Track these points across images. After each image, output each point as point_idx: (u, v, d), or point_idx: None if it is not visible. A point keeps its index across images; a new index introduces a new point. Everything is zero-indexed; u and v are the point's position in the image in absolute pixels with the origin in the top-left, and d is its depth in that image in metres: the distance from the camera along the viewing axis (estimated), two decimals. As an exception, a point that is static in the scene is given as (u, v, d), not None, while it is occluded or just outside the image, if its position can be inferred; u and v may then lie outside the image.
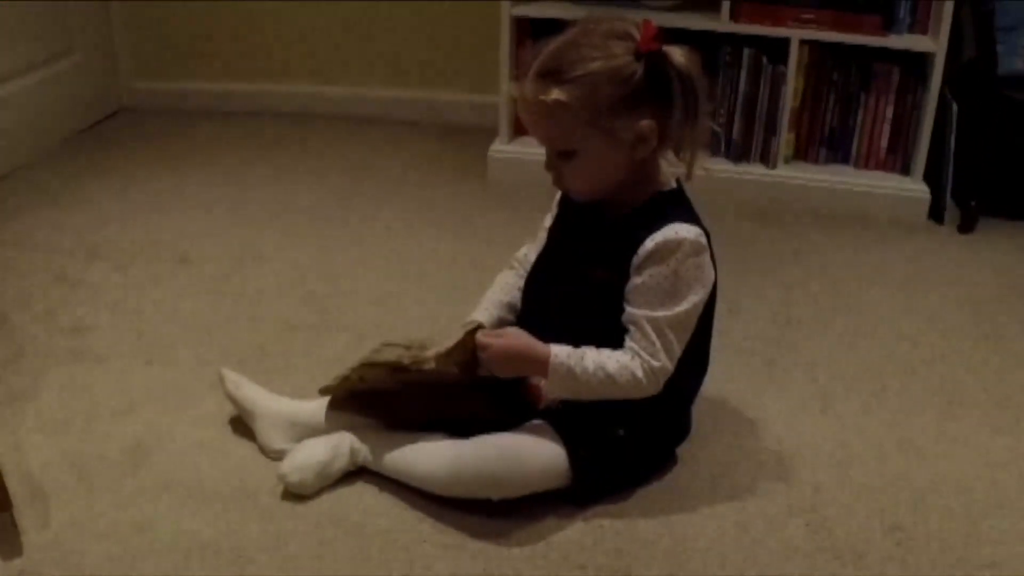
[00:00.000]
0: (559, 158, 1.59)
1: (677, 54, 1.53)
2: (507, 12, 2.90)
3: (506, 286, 1.80)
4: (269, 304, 2.30)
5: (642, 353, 1.58)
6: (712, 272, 1.63)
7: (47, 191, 2.90)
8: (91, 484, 1.69)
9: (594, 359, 1.58)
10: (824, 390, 2.02)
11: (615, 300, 1.61)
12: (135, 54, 3.60)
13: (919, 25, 2.81)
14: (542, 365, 1.58)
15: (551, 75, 1.52)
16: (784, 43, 2.81)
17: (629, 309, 1.59)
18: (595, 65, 1.51)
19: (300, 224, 2.73)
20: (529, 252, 1.81)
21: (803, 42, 2.80)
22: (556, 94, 1.51)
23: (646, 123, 1.54)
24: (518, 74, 1.60)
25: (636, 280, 1.58)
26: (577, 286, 1.66)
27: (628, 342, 1.59)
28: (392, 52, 3.50)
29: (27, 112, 3.13)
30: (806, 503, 1.69)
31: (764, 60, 2.85)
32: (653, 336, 1.58)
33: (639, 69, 1.52)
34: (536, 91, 1.53)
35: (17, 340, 2.12)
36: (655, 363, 1.58)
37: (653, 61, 1.52)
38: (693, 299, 1.59)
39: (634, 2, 2.90)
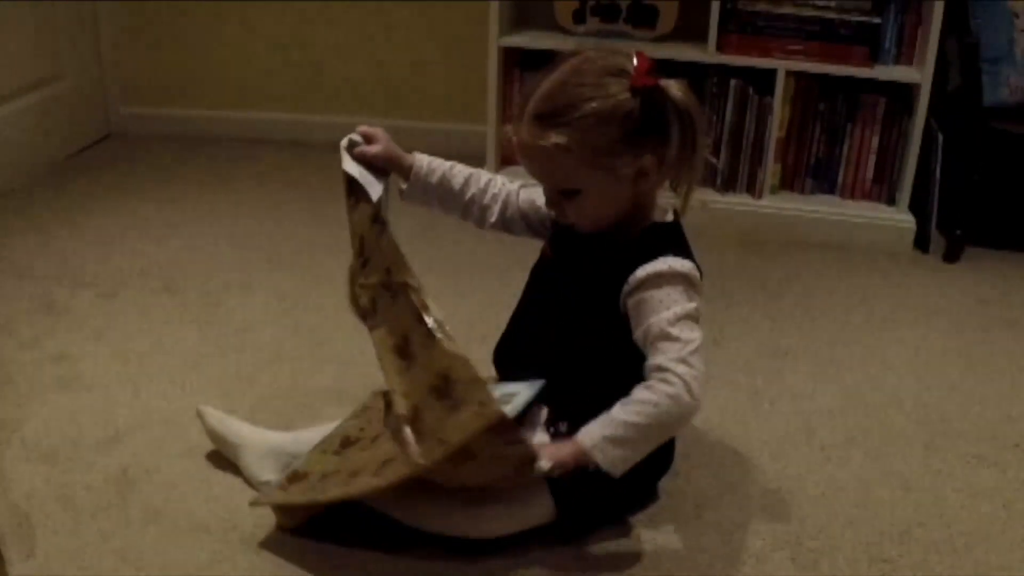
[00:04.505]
0: (561, 196, 1.58)
1: (674, 88, 1.52)
2: (495, 42, 2.92)
3: (464, 172, 1.86)
4: (256, 334, 2.30)
5: (667, 363, 1.48)
6: (700, 307, 1.60)
7: (34, 217, 2.90)
8: (77, 514, 1.68)
9: (620, 408, 1.49)
10: (809, 421, 2.02)
11: (600, 331, 1.59)
12: (124, 80, 3.61)
13: (905, 56, 2.84)
14: (582, 453, 1.49)
15: (548, 118, 1.50)
16: (770, 74, 2.83)
17: (637, 331, 1.54)
18: (592, 106, 1.48)
19: (288, 253, 2.73)
20: (502, 184, 1.82)
21: (789, 73, 2.83)
22: (555, 138, 1.49)
23: (647, 158, 1.53)
24: (511, 116, 1.58)
25: (630, 302, 1.55)
26: (565, 315, 1.65)
27: (650, 362, 1.51)
28: (382, 81, 3.51)
29: (15, 137, 3.13)
30: (791, 536, 1.69)
31: (750, 91, 2.87)
32: (675, 332, 1.50)
33: (636, 105, 1.50)
34: (534, 135, 1.51)
35: (2, 368, 2.11)
36: (682, 368, 1.47)
37: (649, 96, 1.51)
38: (693, 304, 1.54)
39: (620, 34, 2.93)
